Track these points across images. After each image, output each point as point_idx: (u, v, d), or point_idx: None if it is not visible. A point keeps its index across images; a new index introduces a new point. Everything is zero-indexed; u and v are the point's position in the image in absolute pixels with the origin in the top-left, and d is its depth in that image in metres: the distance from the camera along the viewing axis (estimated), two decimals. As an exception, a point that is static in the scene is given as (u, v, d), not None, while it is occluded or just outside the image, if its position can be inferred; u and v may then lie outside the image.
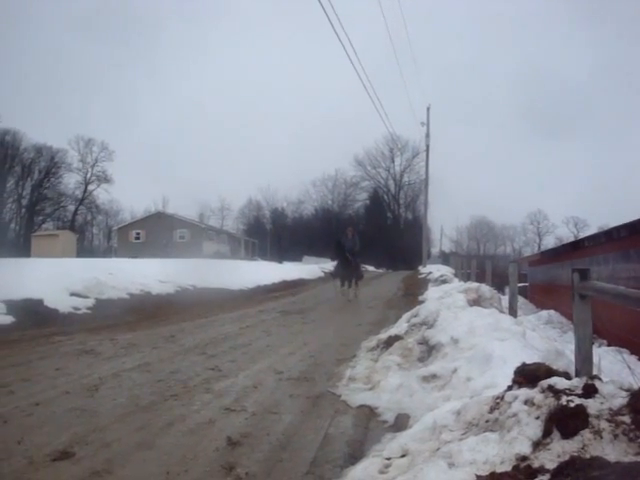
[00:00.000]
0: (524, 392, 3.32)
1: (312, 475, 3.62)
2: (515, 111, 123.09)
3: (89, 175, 73.72)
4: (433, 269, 30.61)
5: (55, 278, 12.00)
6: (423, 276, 28.37)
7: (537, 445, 2.88)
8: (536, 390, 3.24)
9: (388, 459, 3.62)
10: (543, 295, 22.05)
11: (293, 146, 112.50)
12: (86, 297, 11.88)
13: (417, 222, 66.72)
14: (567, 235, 74.39)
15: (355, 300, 16.47)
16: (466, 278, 18.02)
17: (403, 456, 3.61)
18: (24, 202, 68.62)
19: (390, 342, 6.90)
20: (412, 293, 18.65)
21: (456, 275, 22.73)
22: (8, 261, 15.62)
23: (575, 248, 17.30)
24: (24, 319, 9.65)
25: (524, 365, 3.77)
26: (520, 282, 16.15)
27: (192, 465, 3.73)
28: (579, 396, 3.00)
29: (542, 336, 6.84)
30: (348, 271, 16.58)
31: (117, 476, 3.52)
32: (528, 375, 3.61)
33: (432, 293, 12.22)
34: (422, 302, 10.05)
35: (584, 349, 4.24)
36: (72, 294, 11.66)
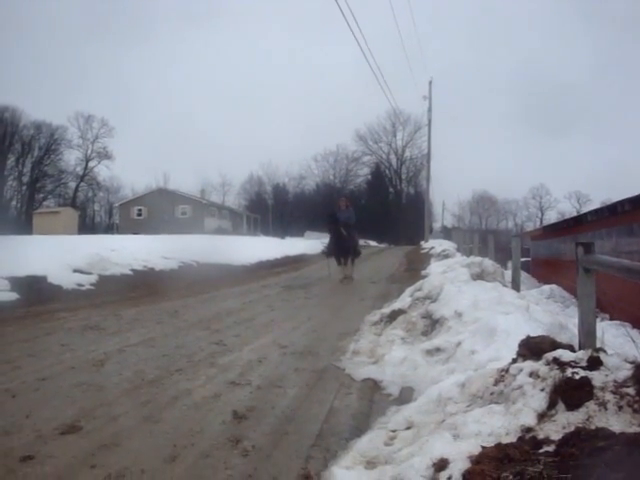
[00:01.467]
0: (529, 364, 3.34)
1: (318, 447, 3.65)
2: (518, 87, 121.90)
3: (89, 152, 73.57)
4: (435, 244, 30.59)
5: (58, 255, 12.01)
6: (425, 251, 28.38)
7: (542, 417, 2.90)
8: (541, 362, 3.26)
9: (393, 431, 3.65)
10: (545, 270, 22.11)
11: (294, 121, 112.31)
12: (89, 273, 11.90)
13: (419, 197, 66.69)
14: (569, 210, 74.29)
15: (350, 280, 14.79)
16: (468, 253, 18.01)
17: (408, 428, 3.64)
18: (25, 179, 68.58)
19: (394, 316, 6.92)
20: (415, 268, 18.65)
21: (458, 250, 22.71)
22: (10, 238, 15.63)
23: (578, 222, 17.30)
24: (28, 296, 9.68)
25: (528, 338, 3.79)
26: (522, 257, 16.15)
27: (198, 438, 3.76)
28: (584, 368, 3.02)
29: (545, 310, 6.86)
30: (343, 247, 14.84)
31: (124, 449, 3.55)
32: (533, 348, 3.62)
33: (435, 268, 12.23)
34: (425, 277, 10.05)
35: (587, 322, 4.25)
36: (75, 270, 11.68)
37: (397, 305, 7.34)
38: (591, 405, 2.78)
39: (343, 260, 14.97)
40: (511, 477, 2.31)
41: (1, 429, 3.80)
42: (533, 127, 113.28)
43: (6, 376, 5.11)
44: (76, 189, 73.12)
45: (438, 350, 5.41)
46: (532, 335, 3.88)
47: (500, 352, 4.53)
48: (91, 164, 73.71)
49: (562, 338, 4.34)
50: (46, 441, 3.63)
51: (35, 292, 9.98)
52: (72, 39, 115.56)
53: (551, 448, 2.55)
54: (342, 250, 14.90)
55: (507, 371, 3.51)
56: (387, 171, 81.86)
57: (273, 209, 74.39)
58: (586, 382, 2.87)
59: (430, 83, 42.58)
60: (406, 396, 4.62)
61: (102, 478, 3.12)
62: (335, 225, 14.67)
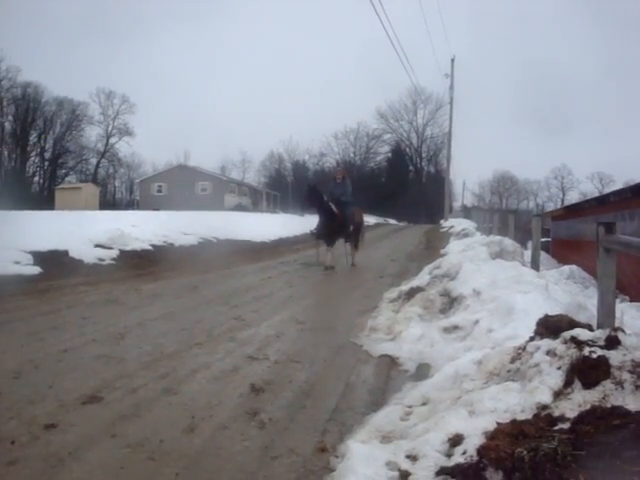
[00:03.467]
0: (546, 343, 3.33)
1: (334, 421, 3.69)
2: (539, 64, 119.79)
3: (110, 128, 73.66)
4: (455, 223, 30.45)
5: (79, 230, 12.15)
6: (445, 230, 28.27)
7: (558, 395, 2.90)
8: (558, 341, 3.25)
9: (409, 407, 3.68)
10: (566, 250, 21.89)
11: (315, 99, 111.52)
12: (110, 248, 12.04)
13: (439, 176, 66.10)
14: (592, 191, 72.83)
15: (351, 268, 12.75)
16: (488, 232, 17.89)
17: (424, 404, 3.66)
18: (47, 155, 68.90)
19: (412, 293, 6.92)
20: (433, 246, 18.60)
21: (478, 229, 22.58)
22: (33, 214, 15.82)
23: (600, 203, 17.04)
24: (51, 270, 9.82)
25: (547, 316, 3.78)
26: (543, 237, 15.91)
27: (217, 410, 3.82)
28: (601, 347, 3.01)
29: (564, 290, 6.81)
30: (335, 229, 12.24)
31: (144, 420, 3.62)
32: (550, 326, 3.62)
33: (454, 246, 12.18)
34: (444, 255, 10.02)
35: (607, 302, 4.22)
36: (96, 245, 11.82)
37: (415, 283, 7.32)
38: (607, 384, 2.77)
39: (329, 243, 12.31)
40: (525, 453, 2.32)
41: (26, 398, 3.90)
42: (556, 107, 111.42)
43: (30, 347, 5.22)
44: (97, 165, 73.51)
45: (455, 328, 5.41)
46: (550, 314, 3.86)
47: (517, 330, 4.51)
48: (112, 140, 73.93)
49: (580, 318, 4.31)
50: (68, 410, 3.72)
51: (57, 266, 10.12)
52: (93, 15, 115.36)
53: (566, 425, 2.56)
54: (334, 232, 12.26)
55: (524, 349, 3.51)
56: (407, 149, 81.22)
57: (293, 186, 74.29)
58: (603, 361, 2.87)
59: (452, 61, 42.02)
60: (423, 372, 4.64)
61: (122, 447, 3.19)
62: (320, 201, 12.15)
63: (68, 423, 3.50)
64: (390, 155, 79.50)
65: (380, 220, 50.17)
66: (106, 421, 3.56)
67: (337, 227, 12.28)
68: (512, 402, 3.03)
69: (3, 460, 3.00)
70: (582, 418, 2.55)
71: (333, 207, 12.08)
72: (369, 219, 45.68)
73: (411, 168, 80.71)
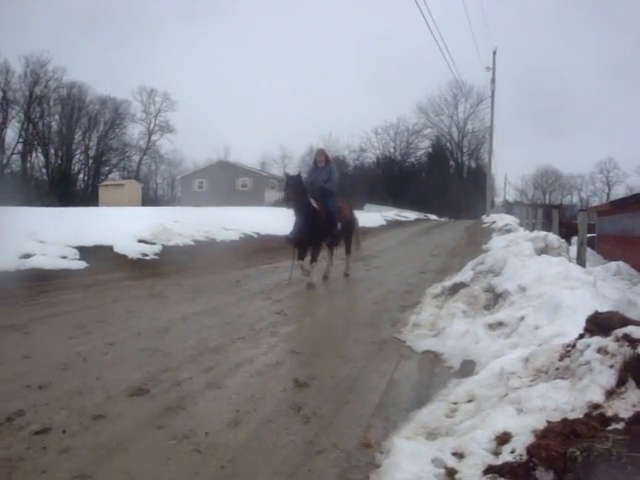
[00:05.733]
0: (597, 340, 3.24)
1: (378, 417, 3.67)
2: (584, 54, 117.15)
3: (152, 125, 74.78)
4: (497, 218, 29.99)
5: (123, 226, 12.37)
6: (487, 225, 27.87)
7: (610, 394, 2.82)
8: (610, 339, 3.16)
9: (454, 404, 3.63)
10: (612, 246, 21.40)
11: (355, 94, 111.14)
12: (153, 244, 12.23)
13: (480, 171, 65.35)
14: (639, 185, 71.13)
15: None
16: (531, 228, 17.58)
17: (470, 401, 3.61)
18: (91, 153, 70.26)
19: (455, 289, 6.84)
20: (475, 242, 18.35)
21: (521, 225, 22.20)
22: (78, 210, 16.17)
23: (650, 197, 16.60)
24: (96, 264, 10.04)
25: (597, 313, 3.67)
26: (588, 233, 15.52)
27: (261, 404, 3.84)
28: (656, 346, 2.91)
29: (613, 286, 6.64)
30: (315, 231, 9.08)
31: (189, 412, 3.66)
32: (601, 324, 3.51)
33: (497, 242, 11.99)
34: (486, 251, 9.88)
35: (660, 299, 4.10)
36: (140, 241, 12.02)
37: (459, 278, 7.23)
38: (664, 383, 2.69)
39: (312, 252, 9.26)
40: (578, 453, 2.26)
41: (75, 389, 4.00)
42: (601, 97, 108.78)
43: (78, 340, 5.33)
44: (139, 162, 74.68)
45: (500, 324, 5.32)
46: (600, 311, 3.76)
47: (565, 327, 4.41)
48: (154, 138, 75.03)
49: (631, 315, 4.19)
50: (115, 402, 3.79)
51: (102, 261, 10.35)
52: (136, 15, 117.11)
53: (620, 426, 2.49)
54: (313, 235, 9.13)
55: (574, 346, 3.42)
56: (448, 144, 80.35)
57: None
58: (659, 360, 2.78)
59: (494, 53, 41.28)
60: (467, 369, 4.57)
61: (168, 439, 3.23)
62: (301, 194, 8.94)
63: (116, 414, 3.57)
64: (430, 150, 78.82)
65: (420, 216, 49.84)
66: (152, 413, 3.61)
67: (320, 228, 9.19)
68: (562, 400, 2.96)
69: (55, 448, 3.07)
70: (637, 419, 2.48)
71: (313, 202, 9.10)
72: (408, 214, 45.58)
73: (452, 163, 79.88)
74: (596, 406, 2.78)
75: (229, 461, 2.99)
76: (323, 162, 9.78)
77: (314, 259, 9.16)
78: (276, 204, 46.24)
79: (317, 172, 9.79)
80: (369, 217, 29.98)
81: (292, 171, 10.17)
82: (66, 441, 3.16)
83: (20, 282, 8.29)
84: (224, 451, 3.09)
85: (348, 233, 10.54)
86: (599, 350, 3.14)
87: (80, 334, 5.58)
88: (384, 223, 31.15)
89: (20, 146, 64.17)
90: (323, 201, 9.36)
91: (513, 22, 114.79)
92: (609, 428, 2.49)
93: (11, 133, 63.82)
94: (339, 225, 9.82)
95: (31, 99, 63.99)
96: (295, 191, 8.83)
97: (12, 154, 63.80)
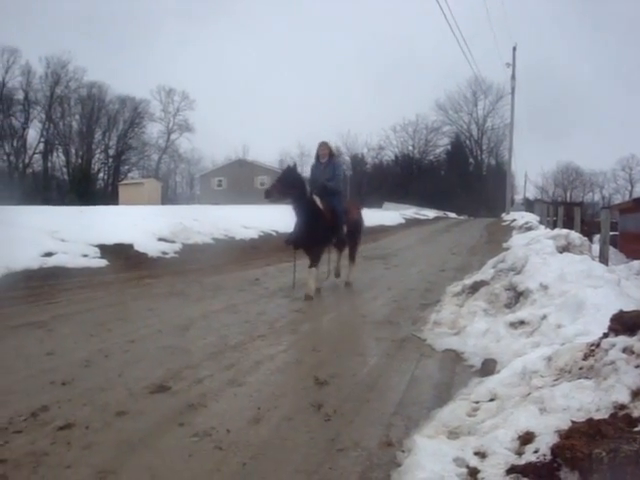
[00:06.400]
0: (622, 340, 3.20)
1: (399, 415, 3.66)
2: (606, 48, 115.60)
3: (171, 124, 75.26)
4: (517, 216, 29.79)
5: (143, 224, 12.45)
6: (507, 223, 27.70)
7: (637, 394, 2.78)
8: (636, 338, 3.11)
9: (476, 402, 3.60)
10: (635, 244, 21.14)
11: (374, 91, 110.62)
12: (173, 242, 12.30)
13: (500, 168, 64.91)
14: (663, 182, 70.10)
15: (348, 287, 9.06)
16: (552, 226, 17.41)
17: (492, 400, 3.57)
18: (111, 152, 70.85)
19: (476, 287, 6.78)
20: (496, 240, 18.24)
21: (541, 222, 22.01)
22: (99, 209, 16.31)
23: (673, 194, 16.34)
24: (116, 263, 10.12)
25: (622, 312, 3.61)
26: (610, 231, 15.28)
27: (282, 402, 3.84)
28: (684, 346, 2.87)
29: (637, 285, 6.55)
30: (322, 233, 8.15)
31: (211, 409, 3.67)
32: (626, 323, 3.46)
33: (517, 240, 11.89)
34: (506, 249, 9.80)
35: (686, 298, 4.03)
36: (160, 239, 12.09)
37: (479, 276, 7.17)
38: (691, 383, 2.64)
39: (313, 256, 8.20)
40: (604, 454, 2.23)
41: (97, 386, 4.03)
42: (622, 93, 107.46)
43: (99, 337, 5.38)
44: (159, 161, 75.18)
45: (522, 323, 5.27)
46: (625, 310, 3.71)
47: (588, 327, 4.36)
48: (173, 136, 75.50)
49: (657, 314, 4.13)
50: (137, 399, 3.81)
51: (122, 259, 10.43)
52: (154, 14, 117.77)
53: (648, 426, 2.45)
54: (320, 239, 8.24)
55: (598, 346, 3.38)
56: (467, 141, 79.82)
57: (351, 180, 74.22)
58: (686, 360, 2.73)
59: (514, 49, 40.97)
60: (489, 368, 4.53)
61: (190, 436, 3.24)
62: (302, 190, 8.02)
63: (138, 411, 3.59)
64: (449, 147, 78.36)
65: (440, 214, 49.66)
66: (174, 410, 3.63)
67: (324, 231, 8.19)
68: (586, 400, 2.92)
69: (79, 444, 3.11)
70: (664, 419, 2.44)
71: (318, 201, 8.19)
72: (427, 212, 45.41)
73: (471, 160, 79.36)
74: (622, 407, 2.74)
75: (250, 458, 2.99)
76: (326, 157, 8.71)
77: (313, 264, 8.06)
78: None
79: (320, 168, 8.78)
80: (388, 215, 29.98)
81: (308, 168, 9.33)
82: (89, 437, 3.19)
83: (42, 280, 8.38)
84: (245, 448, 3.10)
85: (354, 237, 9.34)
86: (624, 350, 3.10)
87: (101, 331, 5.63)
88: (403, 221, 31.10)
89: (41, 146, 65.14)
90: (328, 201, 8.36)
91: (534, 16, 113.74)
92: (636, 429, 2.45)
93: (33, 133, 64.75)
94: (345, 229, 8.72)
95: (52, 99, 64.89)
96: (293, 185, 7.89)
97: (34, 154, 64.77)
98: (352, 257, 9.36)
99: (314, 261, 8.10)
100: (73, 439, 3.15)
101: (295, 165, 8.26)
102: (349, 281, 9.17)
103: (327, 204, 8.30)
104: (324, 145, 8.77)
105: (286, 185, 7.85)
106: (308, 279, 7.89)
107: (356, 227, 9.32)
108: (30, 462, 2.88)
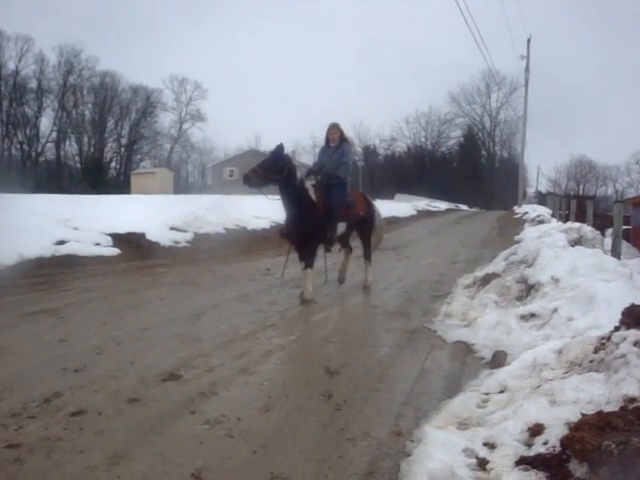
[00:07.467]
0: (634, 333, 3.19)
1: (409, 406, 3.67)
2: (619, 41, 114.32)
3: (183, 114, 75.28)
4: (529, 209, 29.65)
5: (155, 213, 12.48)
6: (518, 216, 27.55)
7: (647, 387, 2.78)
8: (647, 332, 3.11)
9: (486, 394, 3.61)
10: (648, 238, 20.99)
11: (386, 83, 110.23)
12: (185, 231, 12.34)
13: (513, 161, 64.51)
14: (680, 176, 69.33)
15: (366, 291, 8.01)
16: (564, 219, 17.32)
17: (502, 392, 3.58)
18: (123, 141, 71.00)
19: (487, 280, 6.77)
20: (507, 233, 18.17)
21: (553, 216, 21.89)
22: (111, 198, 16.35)
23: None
24: (129, 251, 10.19)
25: (633, 306, 3.61)
26: (623, 225, 15.11)
27: (292, 391, 3.87)
28: (695, 339, 2.86)
29: (649, 279, 6.51)
30: (306, 226, 6.94)
31: (222, 397, 3.70)
32: (638, 316, 3.45)
33: (529, 233, 11.83)
34: (518, 242, 9.76)
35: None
36: (172, 228, 12.14)
37: (491, 269, 7.16)
38: (703, 377, 2.64)
39: (306, 254, 7.20)
40: (614, 446, 2.23)
41: (109, 373, 4.07)
42: (636, 85, 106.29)
43: (112, 325, 5.43)
44: (171, 150, 75.21)
45: (533, 316, 5.27)
46: (637, 303, 3.69)
47: (599, 320, 4.36)
48: (185, 126, 75.52)
49: (669, 308, 4.11)
50: (149, 386, 3.85)
51: (135, 248, 10.50)
52: (168, 3, 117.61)
53: (658, 420, 2.45)
54: (306, 234, 7.06)
55: (609, 339, 3.37)
56: (480, 134, 79.28)
57: (363, 171, 73.97)
58: (698, 353, 2.73)
59: (528, 41, 40.53)
60: (499, 360, 4.53)
61: (201, 423, 3.27)
62: (288, 177, 6.89)
63: (149, 398, 3.63)
64: (462, 139, 77.90)
65: (451, 206, 49.48)
66: (185, 398, 3.66)
67: (317, 225, 7.06)
68: (596, 393, 2.93)
69: (92, 430, 3.15)
70: (675, 413, 2.44)
71: (311, 191, 7.20)
72: (439, 204, 45.27)
73: (484, 153, 78.87)
74: (632, 399, 2.74)
75: (261, 446, 3.02)
76: (337, 140, 7.64)
77: (308, 265, 7.05)
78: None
79: (328, 153, 7.72)
80: (400, 207, 29.88)
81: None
82: (102, 423, 3.23)
83: (55, 268, 8.46)
84: (256, 436, 3.13)
85: (365, 233, 8.44)
86: (636, 343, 3.09)
87: (114, 319, 5.68)
88: (415, 213, 31.01)
89: (54, 134, 65.31)
90: (328, 192, 7.34)
91: (548, 8, 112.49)
92: (646, 422, 2.45)
93: (46, 122, 64.96)
94: (344, 225, 7.73)
95: (65, 88, 65.00)
96: (267, 170, 6.73)
97: (47, 142, 64.97)
98: (366, 256, 8.40)
99: (308, 261, 7.09)
100: (86, 425, 3.19)
101: (282, 145, 6.93)
102: (366, 285, 8.17)
103: (321, 194, 7.26)
104: (334, 127, 7.71)
105: (268, 170, 6.72)
106: (305, 282, 6.96)
107: (363, 223, 8.28)
108: (44, 447, 2.92)
